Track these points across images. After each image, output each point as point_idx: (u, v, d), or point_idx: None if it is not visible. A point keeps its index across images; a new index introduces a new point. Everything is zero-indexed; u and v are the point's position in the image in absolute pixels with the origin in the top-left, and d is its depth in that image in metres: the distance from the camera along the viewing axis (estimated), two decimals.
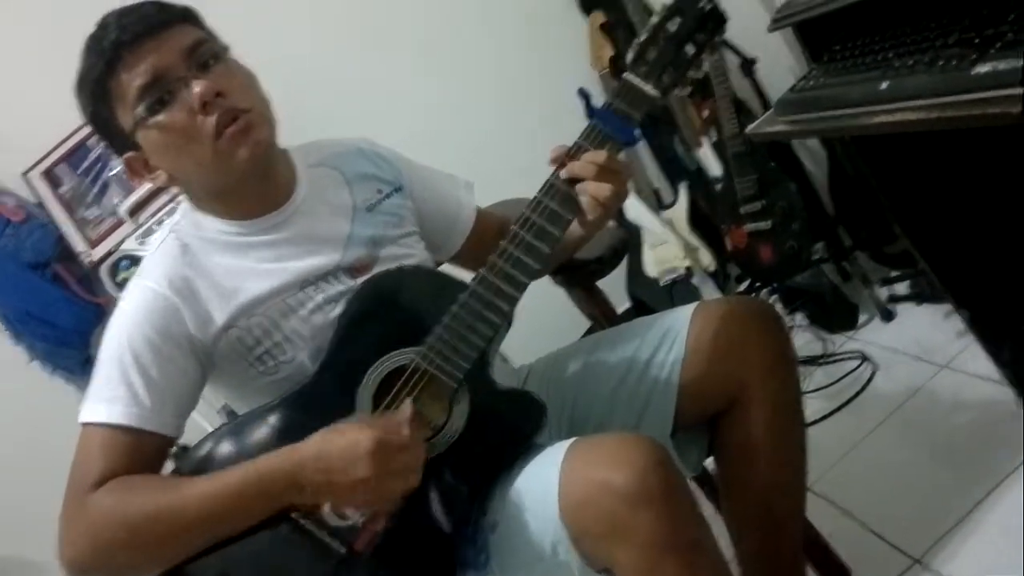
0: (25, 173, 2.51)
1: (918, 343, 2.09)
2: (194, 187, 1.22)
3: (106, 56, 1.11)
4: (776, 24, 1.34)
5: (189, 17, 1.18)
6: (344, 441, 1.02)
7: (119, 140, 1.17)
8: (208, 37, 1.18)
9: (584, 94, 1.19)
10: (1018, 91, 0.83)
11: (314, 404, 1.14)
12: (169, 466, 1.16)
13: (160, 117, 1.12)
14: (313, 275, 1.21)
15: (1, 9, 2.46)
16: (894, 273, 2.30)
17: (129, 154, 1.18)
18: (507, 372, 1.45)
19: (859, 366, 2.17)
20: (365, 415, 1.11)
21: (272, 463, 1.04)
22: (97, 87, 1.13)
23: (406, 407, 1.08)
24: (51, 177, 2.51)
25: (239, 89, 1.16)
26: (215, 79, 1.13)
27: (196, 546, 1.06)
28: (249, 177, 1.19)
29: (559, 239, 1.14)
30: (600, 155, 1.13)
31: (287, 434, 1.10)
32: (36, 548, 2.41)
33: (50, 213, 2.48)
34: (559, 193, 1.14)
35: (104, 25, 1.13)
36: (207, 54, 1.15)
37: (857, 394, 2.07)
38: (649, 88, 1.16)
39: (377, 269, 1.24)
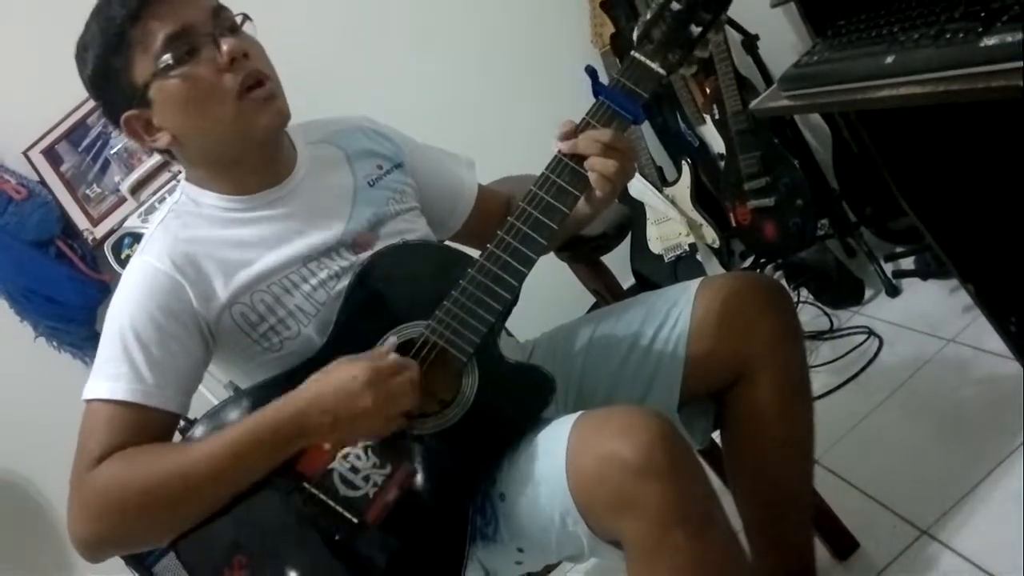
0: (26, 151, 2.51)
1: (924, 318, 2.09)
2: (199, 151, 1.21)
3: (133, 4, 1.11)
4: None
5: None
6: (339, 378, 1.05)
7: (126, 95, 1.15)
8: (227, 8, 1.19)
9: (591, 71, 1.19)
10: None
11: None
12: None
13: (185, 68, 1.12)
14: (315, 251, 1.22)
15: None
16: (899, 248, 2.30)
17: (132, 112, 1.17)
18: (512, 347, 1.45)
19: (865, 340, 2.17)
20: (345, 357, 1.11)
21: (274, 413, 1.06)
22: (116, 36, 1.12)
23: (390, 342, 1.12)
24: (52, 155, 2.51)
25: (262, 56, 1.19)
26: (242, 41, 1.15)
27: (207, 507, 1.07)
28: (262, 145, 1.20)
29: (567, 215, 1.15)
30: (606, 132, 1.14)
31: None
32: (46, 525, 2.46)
33: (52, 191, 2.49)
34: (567, 169, 1.15)
35: None
36: (231, 19, 1.17)
37: (863, 368, 2.07)
38: (656, 66, 1.17)
39: (379, 244, 1.25)
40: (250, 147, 1.19)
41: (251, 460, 1.06)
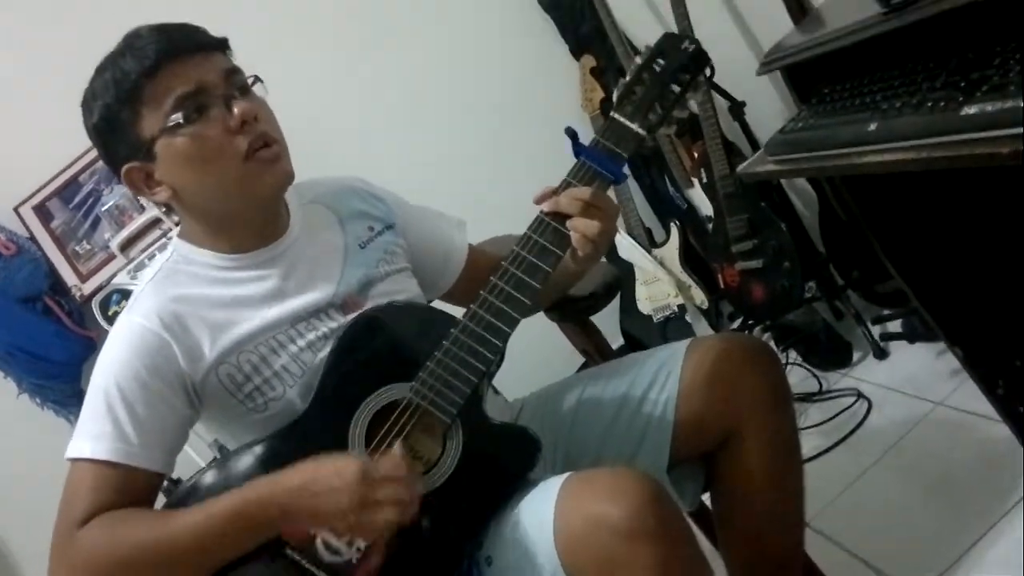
0: (16, 207, 2.52)
1: (912, 380, 2.09)
2: (198, 207, 1.21)
3: (149, 61, 1.11)
4: (765, 67, 1.36)
5: (227, 49, 1.21)
6: (329, 469, 1.02)
7: (129, 148, 1.16)
8: (241, 70, 1.21)
9: (571, 132, 1.21)
10: (1007, 132, 0.85)
11: (306, 439, 1.13)
12: (161, 501, 1.15)
13: (194, 127, 1.13)
14: (304, 312, 1.21)
15: None
16: (886, 311, 2.31)
17: (134, 164, 1.17)
18: (500, 406, 1.45)
19: (854, 403, 2.16)
20: (356, 451, 1.10)
21: (259, 490, 1.04)
22: (129, 90, 1.12)
23: (396, 447, 1.08)
24: (43, 211, 2.52)
25: (271, 119, 1.20)
26: (253, 103, 1.16)
27: None
28: (263, 206, 1.21)
29: (549, 274, 1.15)
30: (585, 191, 1.15)
31: (278, 469, 1.09)
32: None
33: (41, 247, 2.48)
34: (548, 229, 1.16)
35: (137, 35, 1.14)
36: (244, 81, 1.19)
37: (853, 431, 2.07)
38: (635, 126, 1.18)
39: (368, 306, 1.24)
40: (252, 206, 1.20)
41: (234, 535, 1.04)
